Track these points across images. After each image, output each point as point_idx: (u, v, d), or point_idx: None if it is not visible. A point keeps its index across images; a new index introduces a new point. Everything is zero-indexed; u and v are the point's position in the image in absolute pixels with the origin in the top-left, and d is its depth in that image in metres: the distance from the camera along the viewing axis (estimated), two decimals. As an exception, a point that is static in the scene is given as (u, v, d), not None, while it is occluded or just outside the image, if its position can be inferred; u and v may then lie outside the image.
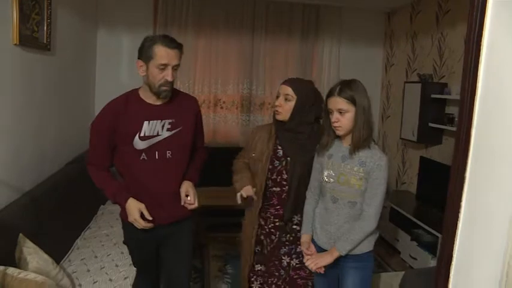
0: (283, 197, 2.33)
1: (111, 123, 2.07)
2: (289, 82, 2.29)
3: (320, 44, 5.20)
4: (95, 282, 2.43)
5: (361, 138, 1.98)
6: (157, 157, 2.11)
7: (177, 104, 2.18)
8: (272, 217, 2.38)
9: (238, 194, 2.25)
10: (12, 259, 2.14)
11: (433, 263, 3.46)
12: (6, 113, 2.53)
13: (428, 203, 4.18)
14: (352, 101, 1.96)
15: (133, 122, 2.07)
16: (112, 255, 2.75)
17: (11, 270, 1.95)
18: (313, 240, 2.21)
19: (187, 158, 2.23)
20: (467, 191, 1.46)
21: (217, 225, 4.57)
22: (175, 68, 2.05)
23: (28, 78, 2.85)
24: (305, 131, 2.26)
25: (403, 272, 3.12)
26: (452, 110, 4.00)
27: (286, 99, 2.24)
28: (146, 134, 2.08)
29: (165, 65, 2.01)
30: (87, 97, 4.41)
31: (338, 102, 1.98)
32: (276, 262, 2.40)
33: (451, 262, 1.54)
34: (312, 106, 2.21)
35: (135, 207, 2.07)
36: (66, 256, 2.73)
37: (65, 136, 3.65)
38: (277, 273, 2.41)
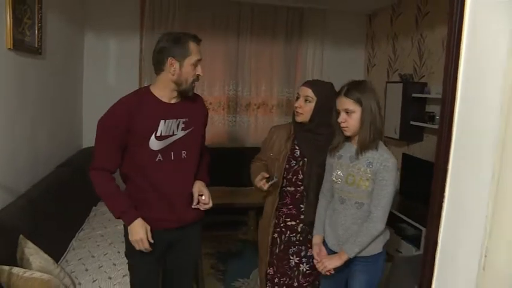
0: (296, 197, 2.36)
1: (126, 122, 1.99)
2: (309, 84, 2.32)
3: (304, 45, 5.31)
4: (94, 281, 2.49)
5: (368, 139, 1.98)
6: (172, 158, 2.07)
7: (190, 103, 2.16)
8: (284, 216, 2.41)
9: (261, 181, 2.28)
10: (13, 260, 2.18)
11: (417, 255, 3.61)
12: (1, 117, 2.57)
13: (411, 197, 4.32)
14: (359, 101, 1.97)
15: (149, 121, 2.02)
16: (109, 255, 2.80)
17: (16, 270, 2.00)
18: (324, 242, 2.22)
19: (198, 159, 2.21)
20: (450, 183, 1.60)
21: (207, 224, 4.64)
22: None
23: (21, 82, 2.89)
24: (324, 133, 2.25)
25: (389, 263, 3.25)
26: (433, 108, 4.15)
27: (306, 101, 2.25)
28: (163, 134, 2.04)
29: (199, 61, 2.06)
30: (75, 100, 4.44)
31: (345, 103, 2.00)
32: (284, 262, 2.42)
33: (436, 248, 1.67)
34: (331, 108, 2.17)
35: (143, 227, 2.01)
36: (63, 257, 2.77)
37: (55, 139, 3.68)
38: (286, 274, 2.42)
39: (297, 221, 2.39)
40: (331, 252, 2.15)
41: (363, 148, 2.00)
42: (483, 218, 1.39)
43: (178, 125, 2.09)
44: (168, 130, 2.06)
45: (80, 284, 2.46)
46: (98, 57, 4.74)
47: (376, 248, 2.08)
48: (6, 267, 1.99)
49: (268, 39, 5.19)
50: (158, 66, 2.05)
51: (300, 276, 2.41)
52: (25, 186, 2.87)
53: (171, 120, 2.06)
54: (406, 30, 4.68)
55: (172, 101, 2.10)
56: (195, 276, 3.56)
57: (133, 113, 1.99)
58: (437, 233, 1.64)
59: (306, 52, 5.32)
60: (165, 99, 2.08)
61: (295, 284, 2.41)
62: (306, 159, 2.33)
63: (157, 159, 2.04)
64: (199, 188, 2.18)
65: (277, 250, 2.44)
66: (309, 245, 2.35)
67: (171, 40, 2.02)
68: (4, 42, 2.62)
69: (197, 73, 2.05)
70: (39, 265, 2.17)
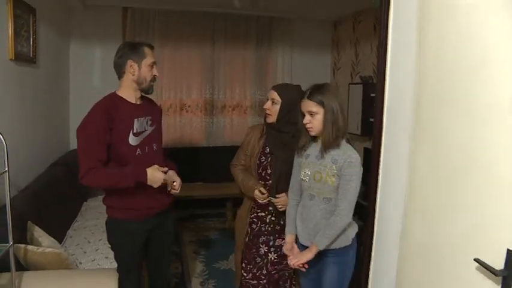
0: (267, 188, 2.55)
1: (108, 121, 2.20)
2: (276, 87, 2.55)
3: (274, 51, 5.72)
4: (93, 260, 2.86)
5: (331, 138, 2.08)
6: (147, 150, 2.34)
7: (149, 104, 2.49)
8: (256, 207, 2.65)
9: (258, 192, 2.52)
10: (24, 241, 2.52)
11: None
12: (4, 119, 2.90)
13: (373, 188, 4.77)
14: (321, 103, 2.08)
15: (126, 121, 2.27)
16: (103, 240, 3.13)
17: (30, 247, 2.36)
18: (296, 238, 2.35)
19: (163, 149, 2.53)
20: (382, 166, 2.07)
21: (187, 217, 5.08)
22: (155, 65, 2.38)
23: (20, 89, 3.23)
24: (290, 131, 2.44)
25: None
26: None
27: (273, 103, 2.48)
28: (138, 130, 2.31)
29: (154, 63, 2.34)
30: (63, 104, 4.77)
31: (308, 105, 2.12)
32: (254, 250, 2.65)
33: (374, 220, 2.13)
34: (296, 107, 2.27)
35: (157, 171, 2.27)
36: (62, 244, 3.12)
37: (48, 139, 4.02)
38: (254, 260, 2.66)
39: (266, 212, 2.63)
40: (303, 248, 2.26)
41: (326, 146, 2.10)
42: (402, 193, 1.85)
43: (147, 122, 2.38)
44: (141, 127, 2.33)
45: (80, 263, 2.82)
46: (83, 65, 5.04)
47: (346, 240, 2.19)
48: (22, 245, 2.35)
49: (240, 46, 5.58)
50: (120, 70, 2.32)
51: (269, 264, 2.66)
52: (25, 182, 3.20)
53: (142, 118, 2.35)
54: (366, 37, 5.15)
55: (138, 102, 2.37)
56: (180, 260, 3.96)
57: (111, 114, 2.22)
58: (374, 210, 2.11)
59: (276, 57, 5.74)
60: (132, 101, 2.35)
61: (264, 272, 2.66)
62: (273, 155, 2.55)
63: (137, 153, 2.30)
64: (171, 175, 2.42)
65: (247, 239, 2.69)
66: (276, 235, 2.62)
67: (127, 47, 2.32)
68: (7, 53, 2.98)
69: (154, 74, 2.34)
70: (48, 244, 2.53)
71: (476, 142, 1.37)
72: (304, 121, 2.13)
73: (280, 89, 2.53)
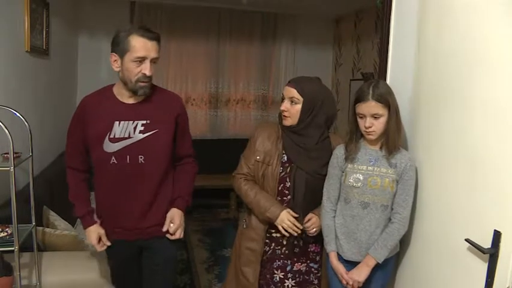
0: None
1: (80, 121, 1.93)
2: (293, 83, 2.05)
3: (277, 47, 5.86)
4: (104, 245, 2.99)
5: (396, 142, 1.85)
6: (128, 161, 1.92)
7: (156, 103, 1.97)
8: (268, 226, 2.11)
9: (283, 223, 1.99)
10: (41, 224, 2.64)
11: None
12: (20, 109, 3.01)
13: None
14: (387, 105, 1.82)
15: (103, 122, 1.90)
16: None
17: (48, 230, 2.50)
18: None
19: (163, 166, 1.99)
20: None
21: (191, 207, 5.19)
22: (154, 61, 1.86)
23: (34, 80, 3.36)
24: (314, 135, 2.02)
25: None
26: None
27: (292, 102, 2.01)
28: (117, 136, 1.90)
29: (143, 58, 1.81)
30: (72, 95, 4.89)
31: (373, 107, 1.82)
32: (268, 276, 2.13)
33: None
34: (321, 106, 2.00)
35: (94, 233, 1.97)
36: (74, 228, 3.25)
37: (59, 129, 4.14)
38: None
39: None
40: (349, 265, 1.95)
41: (391, 152, 1.86)
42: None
43: (135, 127, 1.91)
44: (123, 132, 1.90)
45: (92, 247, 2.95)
46: (91, 58, 5.16)
47: (395, 248, 1.95)
48: (40, 228, 2.48)
49: (245, 41, 5.71)
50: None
51: None
52: (38, 169, 3.33)
53: (126, 122, 1.90)
54: (367, 34, 5.26)
55: (132, 101, 1.93)
56: (185, 246, 4.11)
57: (89, 112, 1.92)
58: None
59: (279, 53, 5.88)
60: (123, 99, 1.93)
61: None
62: (293, 165, 2.04)
63: (111, 162, 1.91)
64: (172, 215, 2.03)
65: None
66: (295, 259, 2.12)
67: (117, 33, 1.85)
68: (23, 45, 3.10)
69: (142, 71, 1.82)
70: (64, 227, 2.67)
71: (467, 132, 1.50)
72: (367, 124, 1.83)
73: (299, 84, 2.03)
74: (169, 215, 2.02)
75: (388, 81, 2.14)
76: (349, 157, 1.92)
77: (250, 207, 2.10)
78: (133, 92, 1.88)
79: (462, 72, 1.53)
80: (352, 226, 1.92)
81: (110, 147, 1.90)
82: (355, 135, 1.94)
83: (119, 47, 1.82)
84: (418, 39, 1.88)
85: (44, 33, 3.60)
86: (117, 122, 1.89)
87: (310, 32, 5.98)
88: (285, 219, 1.99)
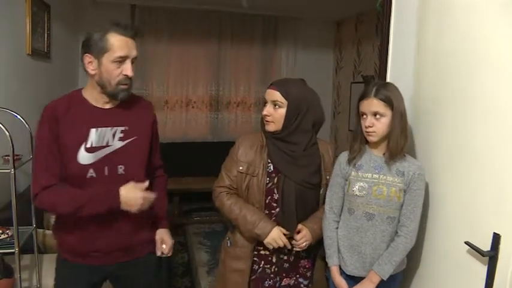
0: (271, 220, 1.88)
1: (52, 129, 1.63)
2: (276, 85, 1.87)
3: (278, 50, 5.87)
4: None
5: (399, 146, 1.70)
6: (106, 173, 1.67)
7: (131, 107, 1.77)
8: (255, 243, 1.93)
9: (274, 243, 1.83)
10: (42, 226, 2.66)
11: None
12: (22, 111, 3.03)
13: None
14: (390, 103, 1.69)
15: (77, 130, 1.64)
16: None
17: (48, 232, 2.50)
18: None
19: (143, 175, 1.75)
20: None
21: (192, 210, 5.24)
22: (133, 61, 1.66)
23: (36, 84, 3.38)
24: (301, 141, 1.86)
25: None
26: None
27: (275, 106, 1.85)
28: (94, 145, 1.65)
29: (124, 58, 1.61)
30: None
31: (374, 105, 1.70)
32: None
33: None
34: (308, 110, 1.85)
35: (132, 189, 1.64)
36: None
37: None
38: None
39: (271, 250, 1.91)
40: (351, 280, 1.83)
41: (392, 156, 1.72)
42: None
43: (114, 134, 1.70)
44: (100, 140, 1.67)
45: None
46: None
47: (402, 263, 1.81)
48: (41, 230, 2.49)
49: (246, 44, 5.73)
50: (82, 64, 1.67)
51: None
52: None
53: (104, 129, 1.68)
54: (368, 37, 5.27)
55: (107, 106, 1.71)
56: (186, 250, 4.11)
57: (60, 120, 1.64)
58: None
59: (280, 56, 5.89)
60: (97, 104, 1.70)
61: None
62: (280, 174, 1.87)
63: (88, 176, 1.64)
64: (161, 236, 1.90)
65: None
66: (284, 275, 1.97)
67: (91, 33, 1.63)
68: (25, 48, 3.12)
69: (124, 73, 1.62)
70: (65, 230, 2.66)
71: (467, 133, 1.50)
72: (367, 124, 1.72)
73: (283, 86, 1.86)
74: (158, 237, 1.90)
75: (388, 81, 2.15)
76: (353, 160, 1.80)
77: (235, 224, 1.91)
78: (113, 96, 1.67)
79: (462, 72, 1.54)
80: (356, 239, 1.79)
81: (86, 158, 1.64)
82: (360, 135, 1.80)
83: (96, 47, 1.60)
84: (418, 39, 1.89)
85: (45, 36, 3.62)
86: (94, 129, 1.67)
87: (311, 35, 5.99)
88: (277, 239, 1.82)
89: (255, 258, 1.94)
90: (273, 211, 1.89)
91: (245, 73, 5.81)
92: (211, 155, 5.38)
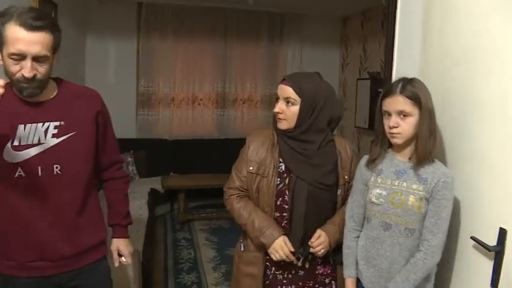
0: (282, 224, 1.77)
1: None
2: (289, 80, 1.74)
3: (284, 46, 5.88)
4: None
5: (427, 150, 1.53)
6: (40, 173, 1.51)
7: (69, 100, 1.58)
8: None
9: (276, 254, 1.71)
10: None
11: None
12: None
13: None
14: (417, 101, 1.51)
15: (2, 125, 1.47)
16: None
17: None
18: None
19: (85, 176, 1.61)
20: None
21: (198, 206, 5.28)
22: (40, 60, 1.39)
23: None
24: (315, 140, 1.74)
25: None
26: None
27: (288, 103, 1.72)
28: (22, 143, 1.48)
29: (20, 55, 1.36)
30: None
31: (399, 102, 1.52)
32: None
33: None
34: (323, 107, 1.72)
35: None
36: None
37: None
38: None
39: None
40: None
41: (421, 161, 1.54)
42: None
43: (46, 130, 1.52)
44: (31, 137, 1.50)
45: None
46: (98, 58, 5.21)
47: (429, 285, 1.62)
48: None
49: (252, 41, 5.74)
50: None
51: None
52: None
53: (34, 124, 1.50)
54: (374, 33, 5.27)
55: (41, 99, 1.51)
56: (192, 246, 4.14)
57: None
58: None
59: (286, 52, 5.90)
60: (21, 96, 1.49)
61: None
62: (292, 175, 1.75)
63: (17, 175, 1.49)
64: (116, 246, 1.78)
65: None
66: (300, 283, 1.83)
67: (2, 14, 1.40)
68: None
69: (21, 72, 1.38)
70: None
71: (473, 131, 1.50)
72: (391, 123, 1.54)
73: (296, 82, 1.73)
74: (113, 248, 1.77)
75: (393, 79, 2.14)
76: (372, 164, 1.65)
77: (244, 230, 1.81)
78: (19, 92, 1.46)
79: (467, 72, 1.53)
80: (372, 250, 1.65)
81: (13, 156, 1.48)
82: (381, 137, 1.63)
83: None
84: (423, 36, 1.88)
85: (53, 34, 3.63)
86: (22, 125, 1.48)
87: (317, 32, 5.99)
88: (279, 250, 1.70)
89: (267, 263, 1.82)
90: (284, 214, 1.77)
91: (251, 70, 5.83)
92: (217, 152, 5.44)
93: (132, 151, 4.94)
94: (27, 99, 1.48)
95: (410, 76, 1.58)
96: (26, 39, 1.34)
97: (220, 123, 5.81)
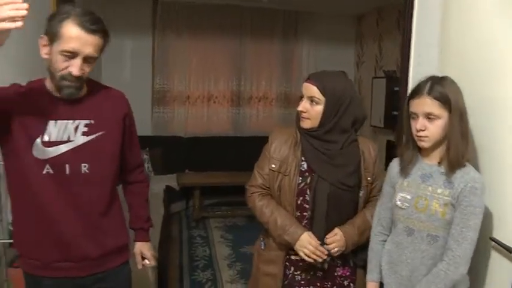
0: (303, 224, 1.74)
1: (10, 105, 1.44)
2: (314, 79, 1.72)
3: (299, 44, 5.89)
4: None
5: (460, 154, 1.44)
6: (68, 171, 1.50)
7: (99, 100, 1.60)
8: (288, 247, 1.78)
9: (305, 249, 1.68)
10: None
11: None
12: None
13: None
14: (446, 102, 1.43)
15: (34, 121, 1.47)
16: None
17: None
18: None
19: (112, 176, 1.62)
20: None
21: (214, 204, 5.29)
22: (89, 60, 1.44)
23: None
24: (338, 140, 1.71)
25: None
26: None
27: (312, 102, 1.70)
28: (52, 139, 1.48)
29: (73, 53, 1.40)
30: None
31: (427, 104, 1.44)
32: None
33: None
34: (348, 107, 1.70)
35: None
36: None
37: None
38: None
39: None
40: None
41: (453, 166, 1.45)
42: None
43: (77, 128, 1.52)
44: (60, 134, 1.50)
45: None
46: (114, 56, 5.18)
47: None
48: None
49: (266, 39, 5.76)
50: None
51: None
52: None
53: (65, 121, 1.51)
54: (389, 32, 5.23)
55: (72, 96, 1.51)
56: (207, 244, 4.16)
57: (19, 102, 1.47)
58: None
59: (301, 50, 5.90)
60: (59, 94, 1.49)
61: None
62: (314, 174, 1.73)
63: (45, 172, 1.48)
64: (139, 250, 1.79)
65: None
66: (318, 284, 1.80)
67: (55, 12, 1.47)
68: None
69: (69, 69, 1.41)
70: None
71: (491, 132, 1.49)
72: (418, 126, 1.47)
73: (321, 81, 1.71)
74: (137, 251, 1.79)
75: (410, 80, 2.12)
76: (403, 168, 1.58)
77: (266, 228, 1.80)
78: (58, 89, 1.47)
79: (484, 73, 1.52)
80: (395, 255, 1.59)
81: (42, 152, 1.47)
82: (412, 141, 1.55)
83: (52, 30, 1.41)
84: (441, 37, 1.87)
85: (70, 32, 3.67)
86: (53, 122, 1.49)
87: (331, 30, 5.96)
88: (307, 244, 1.67)
89: (286, 263, 1.80)
90: (304, 213, 1.74)
91: (266, 68, 5.84)
92: (232, 149, 5.47)
93: (147, 148, 4.97)
94: (62, 96, 1.48)
95: (427, 74, 1.52)
96: (82, 40, 1.38)
97: (236, 121, 5.84)
